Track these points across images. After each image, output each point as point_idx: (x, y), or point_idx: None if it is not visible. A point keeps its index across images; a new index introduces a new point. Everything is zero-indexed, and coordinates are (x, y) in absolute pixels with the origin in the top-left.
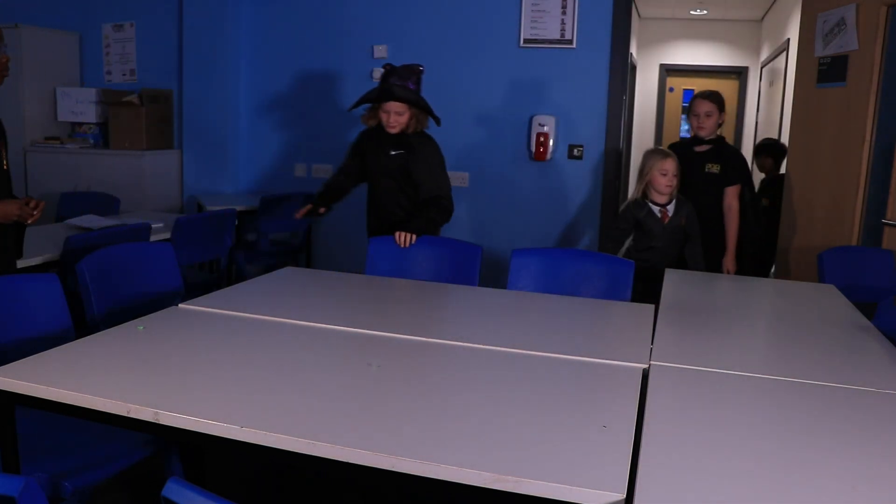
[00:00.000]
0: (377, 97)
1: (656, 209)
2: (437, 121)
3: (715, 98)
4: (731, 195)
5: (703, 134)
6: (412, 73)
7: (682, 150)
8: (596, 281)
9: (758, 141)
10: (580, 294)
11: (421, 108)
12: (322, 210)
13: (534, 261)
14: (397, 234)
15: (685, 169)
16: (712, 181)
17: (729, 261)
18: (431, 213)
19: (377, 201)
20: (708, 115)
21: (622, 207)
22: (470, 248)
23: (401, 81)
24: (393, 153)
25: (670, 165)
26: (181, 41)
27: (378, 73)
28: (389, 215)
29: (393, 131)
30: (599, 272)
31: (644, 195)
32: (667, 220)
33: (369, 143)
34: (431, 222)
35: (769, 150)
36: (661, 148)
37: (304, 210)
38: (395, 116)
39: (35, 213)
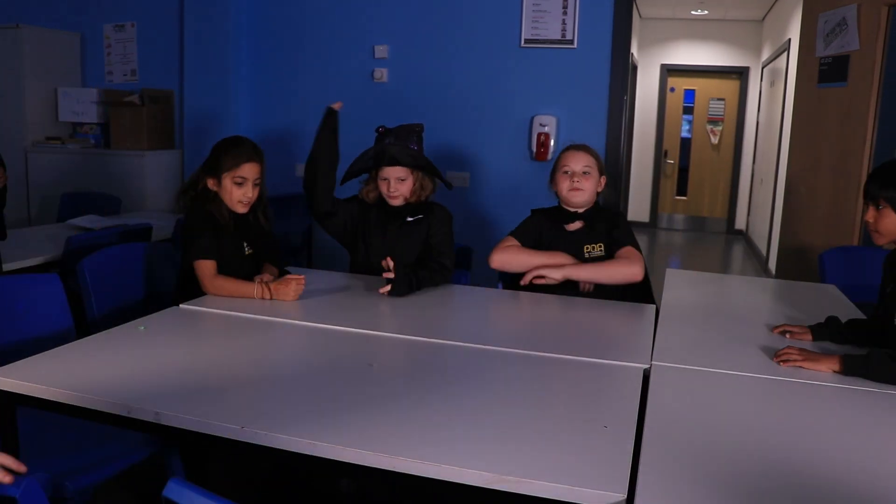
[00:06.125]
0: (374, 163)
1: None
2: (449, 184)
3: (593, 151)
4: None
5: (577, 200)
6: (411, 132)
7: (552, 226)
8: None
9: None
10: None
11: (426, 170)
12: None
13: None
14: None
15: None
16: None
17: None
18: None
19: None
20: (586, 174)
21: None
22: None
23: (399, 142)
24: (410, 219)
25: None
26: (182, 41)
27: (379, 73)
28: None
29: (395, 203)
30: None
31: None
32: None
33: (369, 222)
34: (426, 281)
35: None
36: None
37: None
38: (397, 184)
39: None
